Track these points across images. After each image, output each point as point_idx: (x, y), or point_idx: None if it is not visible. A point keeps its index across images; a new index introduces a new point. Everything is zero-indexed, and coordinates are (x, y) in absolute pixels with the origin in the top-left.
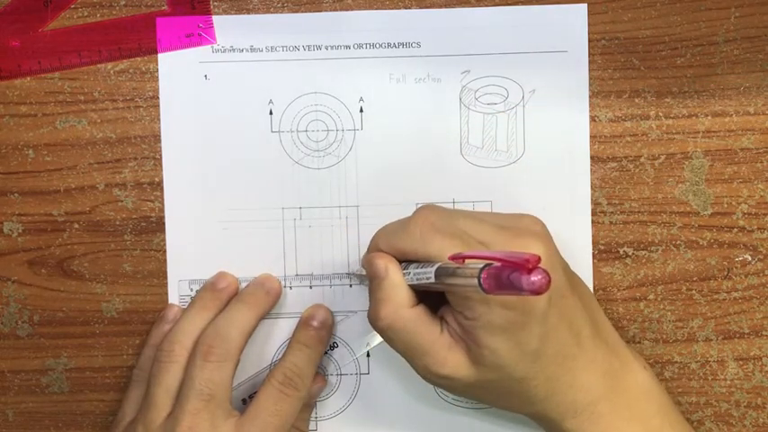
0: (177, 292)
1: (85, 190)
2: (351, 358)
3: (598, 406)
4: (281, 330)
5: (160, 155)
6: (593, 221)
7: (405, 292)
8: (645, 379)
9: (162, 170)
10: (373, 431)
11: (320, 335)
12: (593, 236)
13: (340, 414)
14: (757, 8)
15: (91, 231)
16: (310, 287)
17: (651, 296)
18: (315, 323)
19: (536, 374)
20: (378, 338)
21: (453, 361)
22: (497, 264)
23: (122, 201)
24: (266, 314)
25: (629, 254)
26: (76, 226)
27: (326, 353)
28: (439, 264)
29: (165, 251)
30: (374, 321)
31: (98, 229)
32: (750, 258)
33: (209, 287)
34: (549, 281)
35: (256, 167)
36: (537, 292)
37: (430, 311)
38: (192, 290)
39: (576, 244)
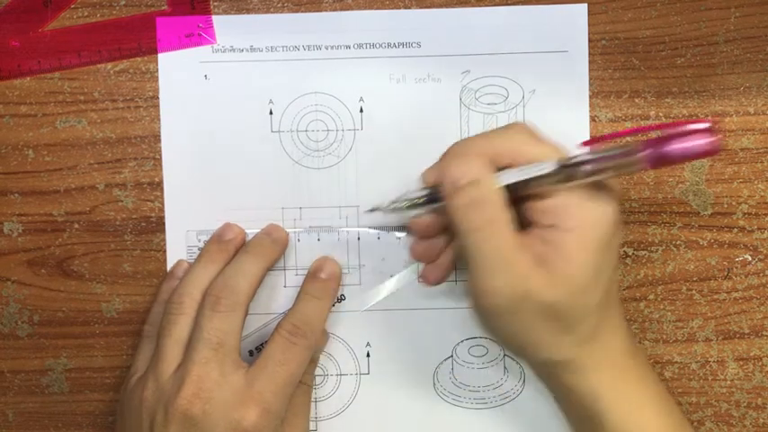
0: (185, 242)
1: (85, 190)
2: (365, 306)
3: (627, 359)
4: (288, 283)
5: (160, 155)
6: None
7: (500, 194)
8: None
9: (162, 170)
10: (373, 431)
11: (328, 286)
12: None
13: (340, 414)
14: (757, 8)
15: (91, 231)
16: (318, 240)
17: (651, 296)
18: (323, 275)
19: (599, 308)
20: (384, 292)
21: (537, 277)
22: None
23: (122, 201)
24: (274, 264)
25: (629, 254)
26: (76, 226)
27: (334, 305)
28: (558, 158)
29: (165, 251)
30: (465, 223)
31: (98, 229)
32: (750, 258)
33: (216, 239)
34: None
35: (256, 167)
36: (714, 151)
37: None
38: (199, 240)
39: None
